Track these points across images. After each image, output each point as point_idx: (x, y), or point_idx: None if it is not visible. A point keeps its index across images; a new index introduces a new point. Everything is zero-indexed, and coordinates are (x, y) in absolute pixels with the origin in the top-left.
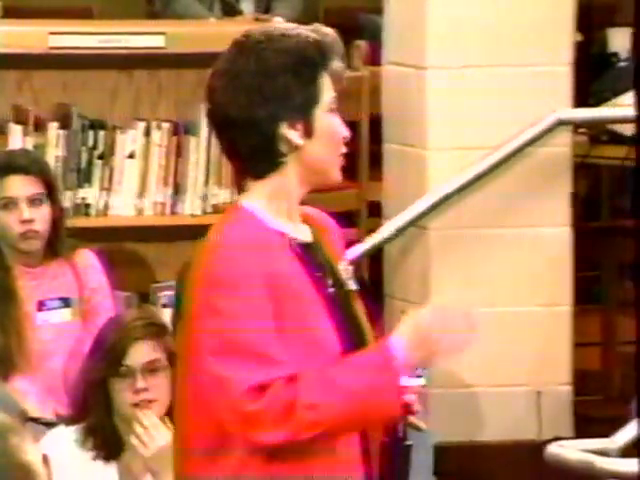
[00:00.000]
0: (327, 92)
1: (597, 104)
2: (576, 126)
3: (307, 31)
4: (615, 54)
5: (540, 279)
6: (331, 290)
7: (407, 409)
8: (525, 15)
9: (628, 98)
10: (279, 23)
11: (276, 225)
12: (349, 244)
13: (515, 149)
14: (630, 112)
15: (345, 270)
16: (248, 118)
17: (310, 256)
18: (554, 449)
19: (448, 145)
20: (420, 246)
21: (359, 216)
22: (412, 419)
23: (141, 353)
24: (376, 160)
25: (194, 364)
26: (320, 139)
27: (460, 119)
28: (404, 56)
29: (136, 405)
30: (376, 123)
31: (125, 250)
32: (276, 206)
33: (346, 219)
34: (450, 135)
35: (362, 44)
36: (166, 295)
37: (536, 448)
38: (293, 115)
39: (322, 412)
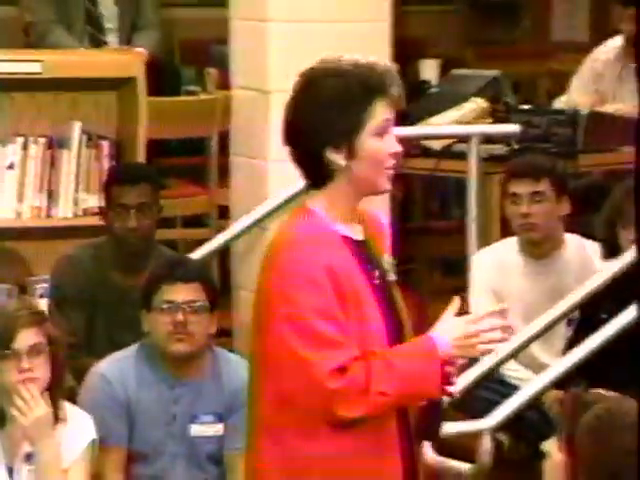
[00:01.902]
0: (375, 118)
1: (412, 124)
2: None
3: (362, 66)
4: (425, 82)
5: None
6: (377, 282)
7: (447, 380)
8: (348, 49)
9: (437, 119)
10: (341, 58)
11: (335, 226)
12: (199, 242)
13: None
14: (438, 130)
15: (387, 263)
16: (303, 142)
17: (362, 252)
18: None
19: (287, 157)
20: (262, 244)
21: (209, 218)
22: (449, 388)
23: (26, 338)
24: (225, 170)
25: (274, 346)
26: (364, 159)
27: None
28: (250, 81)
29: (20, 383)
30: (226, 138)
31: (6, 248)
32: (334, 211)
33: (198, 221)
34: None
35: (213, 71)
36: (42, 287)
37: None
38: (337, 141)
39: (389, 398)
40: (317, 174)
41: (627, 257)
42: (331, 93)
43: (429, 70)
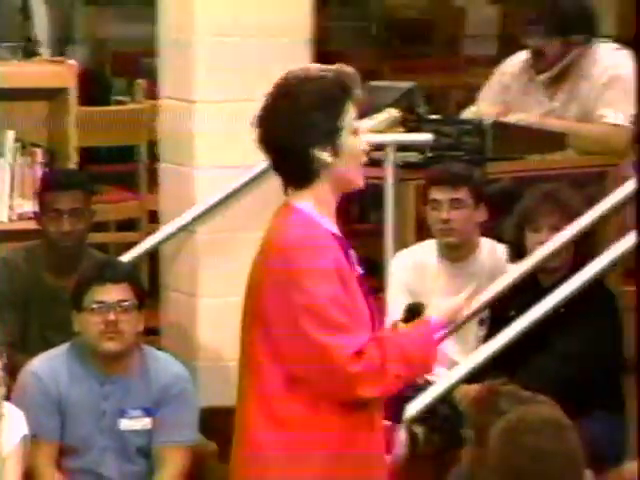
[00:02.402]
0: (350, 118)
1: None
2: None
3: (331, 72)
4: None
5: None
6: (357, 274)
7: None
8: (271, 62)
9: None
10: (310, 66)
11: (323, 222)
12: (131, 245)
13: (265, 168)
14: (364, 138)
15: (353, 256)
16: (287, 145)
17: (344, 247)
18: None
19: (212, 164)
20: (189, 246)
21: (140, 222)
22: None
23: None
24: (156, 176)
25: (289, 334)
26: (346, 156)
27: (222, 143)
28: (176, 92)
29: None
30: (156, 146)
31: None
32: (320, 209)
33: (130, 225)
34: (214, 156)
35: (142, 82)
36: None
37: None
38: (323, 140)
39: (401, 380)
40: (302, 174)
41: (532, 259)
42: (313, 97)
43: None
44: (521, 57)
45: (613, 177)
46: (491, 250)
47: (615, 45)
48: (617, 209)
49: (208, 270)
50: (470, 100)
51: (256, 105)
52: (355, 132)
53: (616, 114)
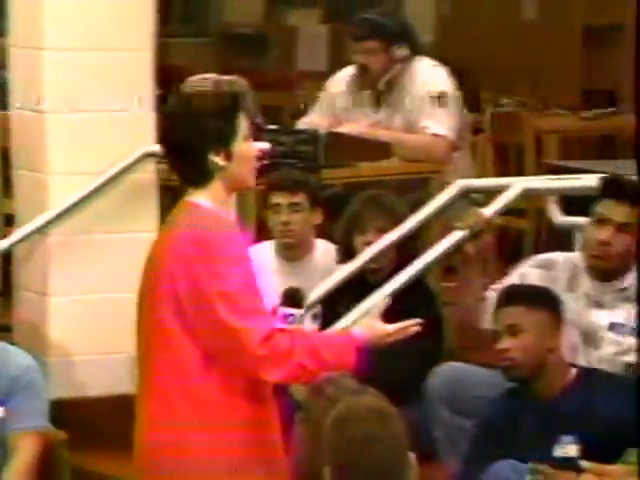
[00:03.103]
0: (243, 125)
1: None
2: (161, 157)
3: (225, 84)
4: None
5: (137, 271)
6: None
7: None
8: (114, 75)
9: None
10: (206, 79)
11: (223, 215)
12: None
13: (114, 174)
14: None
15: None
16: (184, 148)
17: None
18: None
19: (64, 171)
20: (41, 248)
21: None
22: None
23: None
24: (11, 181)
25: (204, 318)
26: (238, 160)
27: (73, 152)
28: (27, 102)
29: None
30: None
31: None
32: (217, 205)
33: None
34: (66, 163)
35: None
36: None
37: (131, 400)
38: (216, 145)
39: (305, 372)
40: (198, 175)
41: (359, 259)
42: (207, 104)
43: None
44: (348, 72)
45: (436, 183)
46: (325, 251)
47: (433, 62)
48: (439, 213)
49: (58, 270)
50: (302, 112)
51: (101, 115)
52: (247, 138)
53: (438, 125)
